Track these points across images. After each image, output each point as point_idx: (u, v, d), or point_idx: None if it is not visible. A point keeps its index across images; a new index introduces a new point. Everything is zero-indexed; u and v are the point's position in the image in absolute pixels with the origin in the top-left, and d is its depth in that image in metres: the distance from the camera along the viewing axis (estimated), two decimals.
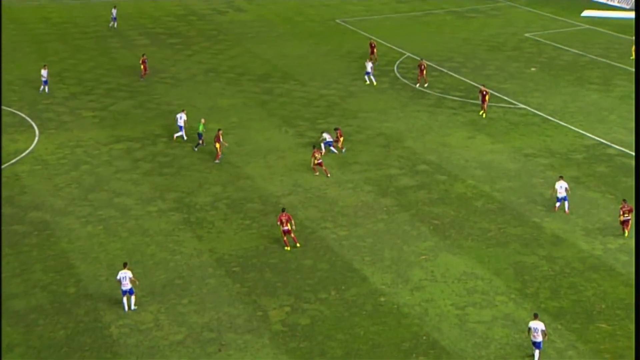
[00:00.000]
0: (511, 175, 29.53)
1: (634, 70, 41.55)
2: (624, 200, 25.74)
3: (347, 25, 54.11)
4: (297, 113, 36.76)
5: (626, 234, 25.01)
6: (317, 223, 26.19)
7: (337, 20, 55.78)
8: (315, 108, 37.48)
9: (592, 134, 32.89)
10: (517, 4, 59.65)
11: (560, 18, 54.39)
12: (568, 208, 26.50)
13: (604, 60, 43.75)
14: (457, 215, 26.51)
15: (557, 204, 26.54)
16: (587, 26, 51.90)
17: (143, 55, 42.17)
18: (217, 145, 30.93)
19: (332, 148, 31.86)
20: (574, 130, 33.39)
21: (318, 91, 40.00)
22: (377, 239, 25.12)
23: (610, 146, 31.73)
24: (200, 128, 31.91)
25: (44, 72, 38.44)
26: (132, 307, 21.46)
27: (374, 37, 49.29)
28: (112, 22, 52.37)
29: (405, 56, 45.92)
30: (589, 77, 40.93)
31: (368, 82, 40.44)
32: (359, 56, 46.13)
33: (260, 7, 59.61)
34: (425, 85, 39.93)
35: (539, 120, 34.95)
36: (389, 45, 48.22)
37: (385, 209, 27.04)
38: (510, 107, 36.75)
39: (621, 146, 31.62)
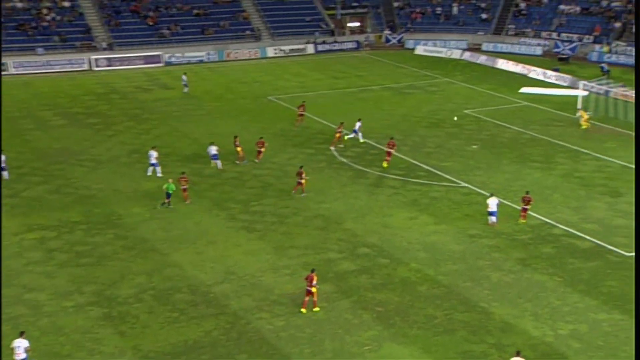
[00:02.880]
0: (456, 257, 30.34)
1: (574, 147, 43.94)
2: (527, 192, 33.85)
3: (281, 102, 55.46)
4: (228, 195, 37.02)
5: (523, 221, 32.90)
6: (251, 313, 26.09)
7: (270, 97, 57.12)
8: (248, 189, 37.86)
9: (537, 214, 34.30)
10: (454, 80, 62.71)
11: (498, 94, 57.36)
12: (496, 221, 32.76)
13: (545, 137, 46.15)
14: (402, 301, 26.93)
15: (491, 218, 32.78)
16: (526, 103, 54.87)
17: (236, 137, 41.94)
18: (303, 181, 36.52)
19: (217, 161, 38.98)
20: (518, 210, 34.76)
21: (251, 171, 40.50)
22: (317, 329, 25.17)
23: (556, 226, 33.13)
24: (171, 188, 34.63)
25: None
26: None
27: (308, 114, 50.69)
28: (184, 88, 55.88)
29: (342, 133, 47.15)
30: (530, 155, 42.98)
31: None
32: (294, 134, 47.18)
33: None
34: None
35: (483, 199, 36.21)
36: (324, 122, 49.57)
37: (325, 296, 27.22)
38: (452, 186, 38.08)
39: (566, 226, 33.06)
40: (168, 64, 68.69)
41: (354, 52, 75.88)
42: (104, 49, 68.54)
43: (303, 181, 36.60)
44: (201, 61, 70.26)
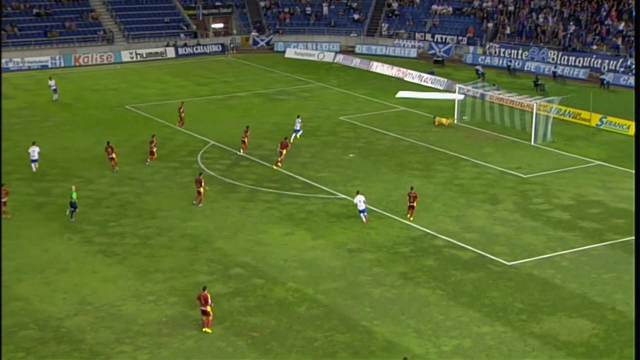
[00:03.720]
0: (336, 274, 30.85)
1: (453, 154, 45.89)
2: (412, 187, 36.25)
3: (139, 112, 54.47)
4: (82, 216, 35.88)
5: (411, 218, 35.41)
6: (111, 348, 25.34)
7: (127, 106, 56.01)
8: (105, 209, 36.91)
9: (418, 224, 35.50)
10: (328, 85, 63.92)
11: (375, 100, 58.98)
12: (366, 219, 35.09)
13: (423, 144, 47.88)
14: (279, 324, 27.05)
15: (362, 215, 35.08)
16: (403, 108, 56.75)
17: (108, 143, 42.46)
18: (202, 190, 37.39)
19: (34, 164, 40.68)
20: (399, 221, 35.85)
21: (108, 189, 39.49)
22: None
23: (437, 237, 34.39)
24: (74, 196, 35.16)
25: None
26: None
27: (170, 124, 50.06)
28: (55, 95, 54.42)
29: (209, 145, 46.98)
30: (409, 163, 44.46)
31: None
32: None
33: (29, 93, 58.26)
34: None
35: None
36: (189, 133, 49.12)
37: (194, 322, 26.89)
38: (329, 198, 38.72)
39: (448, 236, 34.39)
40: (5, 70, 65.60)
41: (219, 56, 75.70)
42: None
43: (202, 189, 37.08)
44: (45, 67, 67.69)
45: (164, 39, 75.90)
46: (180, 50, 75.14)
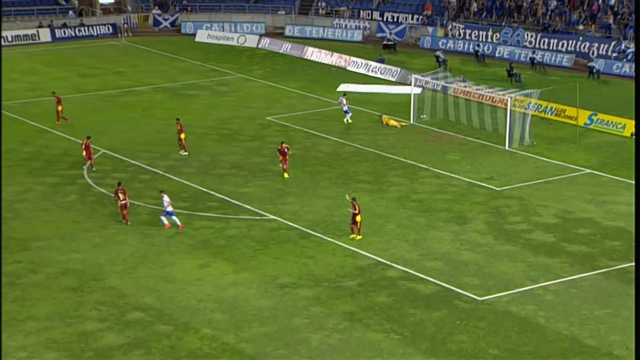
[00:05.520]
0: (264, 316, 30.85)
1: (410, 162, 46.42)
2: (354, 198, 36.78)
3: (4, 112, 53.55)
4: None
5: (359, 236, 36.48)
6: None
7: None
8: None
9: (366, 251, 35.76)
10: (251, 77, 64.05)
11: (311, 95, 59.32)
12: (169, 223, 37.33)
13: (373, 150, 48.31)
14: None
15: (166, 220, 37.28)
16: (348, 104, 57.08)
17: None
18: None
19: None
20: (343, 247, 36.04)
21: None
22: None
23: (391, 266, 34.69)
24: None
25: None
26: None
27: (48, 128, 49.32)
28: None
29: (99, 154, 46.49)
30: (355, 174, 44.79)
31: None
32: (27, 157, 45.75)
33: None
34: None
35: (296, 236, 37.21)
36: (71, 139, 48.56)
37: None
38: (255, 220, 38.74)
39: (404, 266, 34.70)
40: None
41: (109, 40, 75.12)
42: None
43: (127, 202, 38.03)
44: None
45: (36, 18, 74.88)
46: (58, 33, 74.34)
